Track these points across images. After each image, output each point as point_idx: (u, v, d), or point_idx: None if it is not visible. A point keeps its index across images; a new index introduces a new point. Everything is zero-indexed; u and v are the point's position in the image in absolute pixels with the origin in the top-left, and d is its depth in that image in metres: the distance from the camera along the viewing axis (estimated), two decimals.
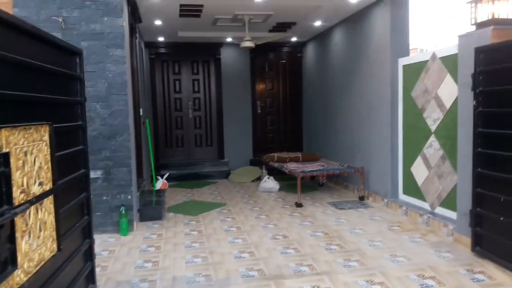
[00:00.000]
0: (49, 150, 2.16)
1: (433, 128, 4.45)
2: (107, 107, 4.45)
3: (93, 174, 4.41)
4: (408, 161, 4.92)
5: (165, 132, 8.41)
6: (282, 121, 8.77)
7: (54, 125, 2.22)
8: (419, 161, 4.71)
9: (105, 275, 3.25)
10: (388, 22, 5.08)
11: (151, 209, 5.04)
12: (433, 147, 4.46)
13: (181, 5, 5.42)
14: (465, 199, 3.62)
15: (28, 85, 2.10)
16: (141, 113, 6.10)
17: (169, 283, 3.08)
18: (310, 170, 5.78)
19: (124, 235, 4.35)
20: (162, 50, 8.14)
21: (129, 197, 4.52)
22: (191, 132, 8.51)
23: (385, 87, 5.21)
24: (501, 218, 3.15)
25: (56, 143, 2.28)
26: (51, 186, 2.19)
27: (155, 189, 6.68)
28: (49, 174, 2.17)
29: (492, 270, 3.12)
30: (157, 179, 6.98)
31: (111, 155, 4.46)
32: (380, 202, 5.39)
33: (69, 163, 2.69)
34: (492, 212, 3.27)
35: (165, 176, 7.07)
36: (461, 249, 3.61)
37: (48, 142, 2.15)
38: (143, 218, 4.95)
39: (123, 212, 4.40)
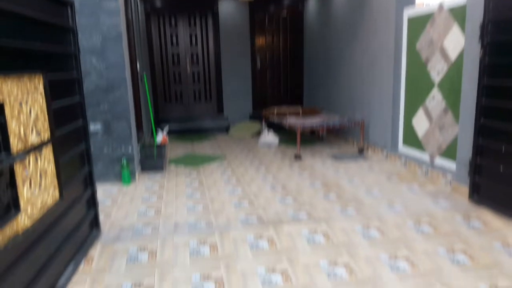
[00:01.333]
0: (44, 100, 2.14)
1: (436, 80, 4.40)
2: (103, 60, 4.37)
3: (93, 127, 4.43)
4: (410, 114, 4.90)
5: (163, 86, 8.32)
6: (282, 75, 8.66)
7: (48, 76, 2.19)
8: (420, 113, 4.69)
9: (109, 221, 3.33)
10: None
11: (153, 161, 5.08)
12: (435, 99, 4.42)
13: None
14: (465, 149, 3.63)
15: (19, 35, 2.05)
16: (138, 67, 6.00)
17: (172, 228, 3.15)
18: (310, 124, 5.77)
19: (127, 184, 4.41)
20: (157, 4, 7.88)
21: (130, 149, 4.54)
22: (189, 87, 8.43)
23: (389, 39, 5.08)
24: (501, 168, 3.18)
25: (52, 95, 2.26)
26: (49, 136, 2.19)
27: (156, 142, 6.71)
28: (46, 125, 2.16)
29: (488, 217, 3.19)
30: (157, 133, 6.98)
31: (109, 108, 4.44)
32: (380, 154, 5.43)
33: (67, 115, 2.68)
34: (492, 161, 3.29)
35: (165, 130, 7.07)
36: (459, 198, 3.67)
37: (43, 92, 2.13)
38: (145, 169, 5.00)
39: (125, 163, 4.44)
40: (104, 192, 4.14)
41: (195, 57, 8.31)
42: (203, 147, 6.58)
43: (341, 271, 2.43)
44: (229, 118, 8.26)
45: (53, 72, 2.37)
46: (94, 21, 4.28)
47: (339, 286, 2.27)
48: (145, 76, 6.74)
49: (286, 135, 6.94)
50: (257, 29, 8.33)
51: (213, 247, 2.78)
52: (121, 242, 2.91)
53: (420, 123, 4.70)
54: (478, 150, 3.44)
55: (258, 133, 7.42)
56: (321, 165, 5.12)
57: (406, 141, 5.04)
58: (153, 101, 8.08)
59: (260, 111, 7.42)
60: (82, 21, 4.23)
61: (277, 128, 6.92)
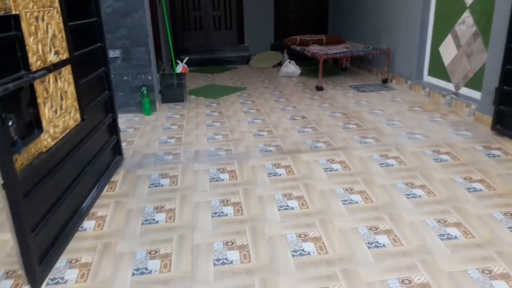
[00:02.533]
0: (61, 18, 2.12)
1: (468, 2, 4.09)
2: None
3: (112, 54, 4.42)
4: (437, 40, 4.65)
5: (182, 13, 8.08)
6: (306, 1, 8.22)
7: None
8: (448, 39, 4.44)
9: (131, 148, 3.45)
10: None
11: (173, 91, 5.11)
12: (466, 24, 4.15)
13: None
14: (492, 77, 3.47)
15: None
16: None
17: (192, 155, 3.25)
18: (333, 53, 5.57)
19: (148, 114, 4.49)
20: None
21: (150, 77, 4.55)
22: (209, 14, 8.15)
23: None
24: None
25: (69, 14, 2.22)
26: (68, 55, 2.19)
27: (176, 72, 6.69)
28: (64, 44, 2.16)
29: (510, 147, 3.13)
30: (177, 63, 6.94)
31: (128, 33, 4.39)
32: (404, 84, 5.27)
33: (85, 36, 2.66)
34: None
35: (184, 60, 7.00)
36: (481, 127, 3.59)
37: (59, 9, 2.10)
38: (165, 99, 5.04)
39: (145, 92, 4.48)
40: (126, 121, 4.25)
41: None
42: (223, 78, 6.53)
43: (357, 198, 2.49)
44: (250, 48, 8.05)
45: None
46: None
47: (355, 211, 2.34)
48: (163, 0, 6.53)
49: (309, 66, 6.77)
50: None
51: (232, 174, 2.87)
52: (143, 168, 3.03)
53: (448, 50, 4.47)
54: (506, 77, 3.28)
55: (280, 64, 7.26)
56: (342, 96, 5.03)
57: (431, 71, 4.84)
58: (172, 29, 7.90)
59: (283, 40, 7.17)
60: None
61: (300, 58, 6.73)
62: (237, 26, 8.16)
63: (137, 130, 3.97)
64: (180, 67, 6.86)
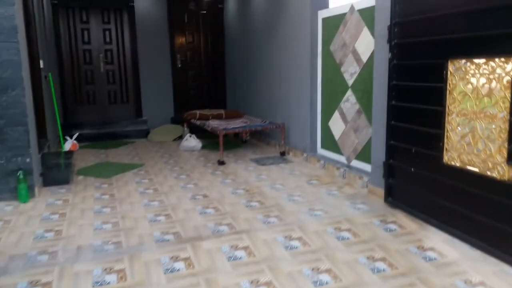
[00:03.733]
0: None
1: (350, 82, 4.47)
2: None
3: None
4: (326, 116, 4.96)
5: (73, 87, 7.61)
6: (204, 76, 8.39)
7: None
8: (336, 115, 4.75)
9: None
10: None
11: (57, 172, 4.55)
12: (349, 101, 4.50)
13: None
14: (379, 152, 3.71)
15: None
16: (41, 66, 5.38)
17: (73, 253, 2.77)
18: (232, 127, 5.61)
19: (24, 202, 3.87)
20: None
21: (28, 159, 4.00)
22: (104, 88, 7.81)
23: (305, 41, 5.10)
24: (412, 169, 3.27)
25: None
26: None
27: (64, 150, 6.09)
28: None
29: (403, 220, 3.27)
30: (65, 140, 6.36)
31: (2, 113, 3.87)
32: (300, 156, 5.44)
33: None
34: (404, 163, 3.38)
35: (74, 136, 6.46)
36: (375, 200, 3.74)
37: None
38: (48, 182, 4.46)
39: (21, 176, 3.90)
40: None
41: (109, 54, 7.73)
42: (119, 154, 6.11)
43: None
44: (149, 122, 7.81)
45: None
46: None
47: None
48: (50, 75, 6.09)
49: (211, 138, 6.72)
50: (177, 26, 7.97)
51: (121, 275, 2.47)
52: (7, 276, 2.47)
53: (336, 125, 4.77)
54: (390, 151, 3.53)
55: (180, 137, 7.10)
56: (244, 170, 4.98)
57: (324, 144, 5.10)
58: (62, 103, 7.36)
59: (182, 113, 7.09)
60: None
61: (201, 131, 6.66)
62: (135, 99, 7.92)
63: (8, 223, 3.35)
64: (68, 144, 6.29)
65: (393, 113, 3.45)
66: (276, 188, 4.19)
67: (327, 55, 4.84)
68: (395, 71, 3.39)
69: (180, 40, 8.09)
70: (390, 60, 3.41)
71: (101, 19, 7.58)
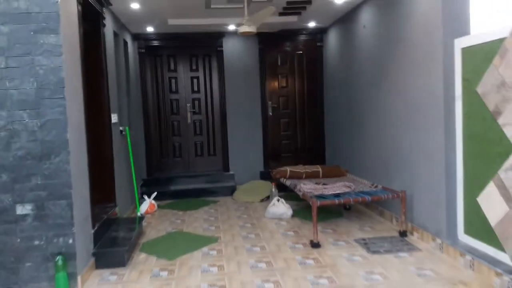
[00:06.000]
0: None
1: None
2: (37, 116, 3.17)
3: (19, 210, 3.16)
4: (473, 188, 3.36)
5: (160, 139, 7.09)
6: (299, 124, 7.27)
7: None
8: (491, 189, 3.14)
9: None
10: None
11: (111, 252, 3.72)
12: None
13: None
14: None
15: None
16: (114, 120, 4.81)
17: None
18: (330, 197, 4.24)
19: None
20: (153, 43, 6.81)
21: (70, 241, 3.21)
22: (190, 140, 7.16)
23: (435, 80, 3.67)
24: None
25: None
26: None
27: (139, 214, 5.40)
28: None
29: None
30: (142, 200, 5.71)
31: (44, 183, 3.18)
32: (431, 242, 3.84)
33: None
34: None
35: (152, 196, 5.79)
36: None
37: None
38: (100, 264, 3.64)
39: (60, 263, 3.11)
40: None
41: (197, 104, 7.11)
42: (196, 220, 5.20)
43: None
44: (236, 176, 6.87)
45: None
46: (27, 62, 3.16)
47: None
48: (127, 129, 5.55)
49: (303, 201, 5.45)
50: (269, 69, 7.09)
51: None
52: None
53: (492, 203, 3.14)
54: None
55: (268, 197, 5.99)
56: (347, 260, 3.59)
57: (469, 228, 3.45)
58: (146, 157, 6.84)
59: (272, 168, 6.01)
60: (10, 63, 3.10)
61: (292, 191, 5.46)
62: (222, 152, 7.10)
63: None
64: (145, 206, 5.60)
65: None
66: None
67: (472, 99, 3.32)
68: None
69: (272, 84, 7.16)
70: None
71: (189, 66, 7.05)
